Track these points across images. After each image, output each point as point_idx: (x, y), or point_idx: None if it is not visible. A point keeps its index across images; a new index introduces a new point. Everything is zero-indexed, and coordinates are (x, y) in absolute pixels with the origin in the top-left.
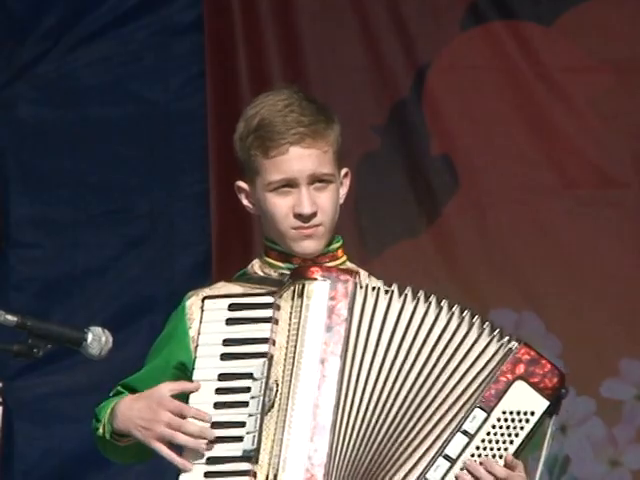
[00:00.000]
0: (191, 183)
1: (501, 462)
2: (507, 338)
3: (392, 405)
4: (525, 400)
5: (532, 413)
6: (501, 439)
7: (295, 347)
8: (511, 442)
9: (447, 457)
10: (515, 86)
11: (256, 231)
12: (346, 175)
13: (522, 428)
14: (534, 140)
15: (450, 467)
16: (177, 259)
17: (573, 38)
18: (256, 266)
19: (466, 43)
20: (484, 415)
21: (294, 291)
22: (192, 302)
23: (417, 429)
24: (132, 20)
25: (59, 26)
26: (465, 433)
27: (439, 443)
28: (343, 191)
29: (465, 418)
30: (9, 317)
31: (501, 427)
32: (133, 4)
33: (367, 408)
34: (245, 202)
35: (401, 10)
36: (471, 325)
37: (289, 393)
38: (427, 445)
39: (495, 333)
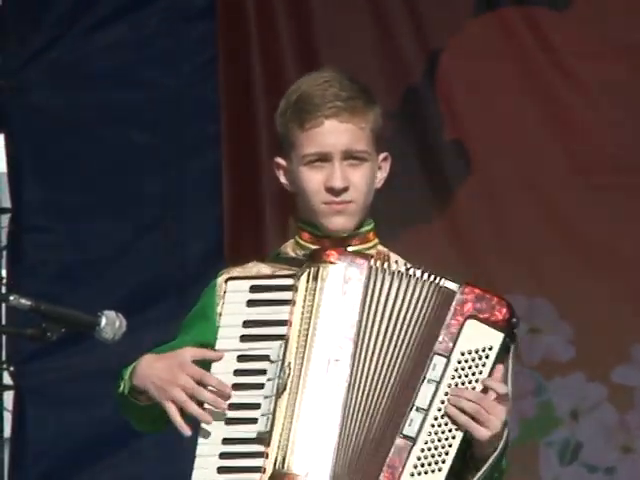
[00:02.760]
0: (203, 168)
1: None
2: (440, 280)
3: (391, 386)
4: (481, 337)
5: (490, 348)
6: (466, 379)
7: (308, 330)
8: (477, 380)
9: (418, 409)
10: (528, 72)
11: (268, 215)
12: (385, 159)
13: (484, 365)
14: (547, 126)
15: (424, 418)
16: (190, 244)
17: (586, 23)
18: (289, 247)
19: (478, 29)
20: (444, 360)
21: (309, 274)
22: (223, 279)
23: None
24: (145, 5)
25: (73, 11)
26: (430, 382)
27: (409, 399)
28: (381, 175)
29: (427, 367)
30: (23, 301)
31: (463, 369)
32: None
33: (377, 392)
34: (282, 179)
35: None
36: (423, 284)
37: (300, 376)
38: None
39: (425, 278)
